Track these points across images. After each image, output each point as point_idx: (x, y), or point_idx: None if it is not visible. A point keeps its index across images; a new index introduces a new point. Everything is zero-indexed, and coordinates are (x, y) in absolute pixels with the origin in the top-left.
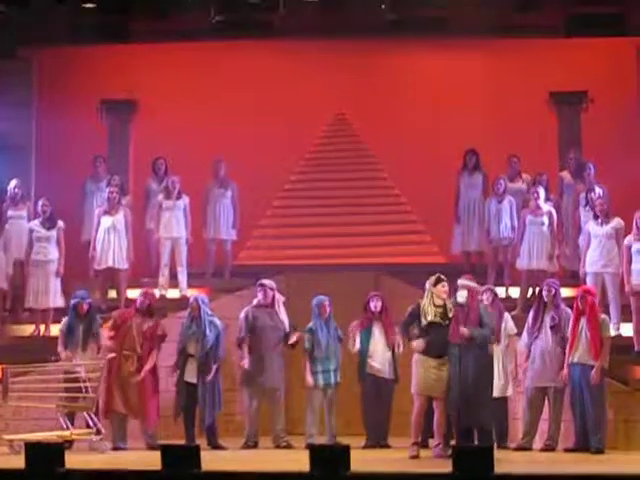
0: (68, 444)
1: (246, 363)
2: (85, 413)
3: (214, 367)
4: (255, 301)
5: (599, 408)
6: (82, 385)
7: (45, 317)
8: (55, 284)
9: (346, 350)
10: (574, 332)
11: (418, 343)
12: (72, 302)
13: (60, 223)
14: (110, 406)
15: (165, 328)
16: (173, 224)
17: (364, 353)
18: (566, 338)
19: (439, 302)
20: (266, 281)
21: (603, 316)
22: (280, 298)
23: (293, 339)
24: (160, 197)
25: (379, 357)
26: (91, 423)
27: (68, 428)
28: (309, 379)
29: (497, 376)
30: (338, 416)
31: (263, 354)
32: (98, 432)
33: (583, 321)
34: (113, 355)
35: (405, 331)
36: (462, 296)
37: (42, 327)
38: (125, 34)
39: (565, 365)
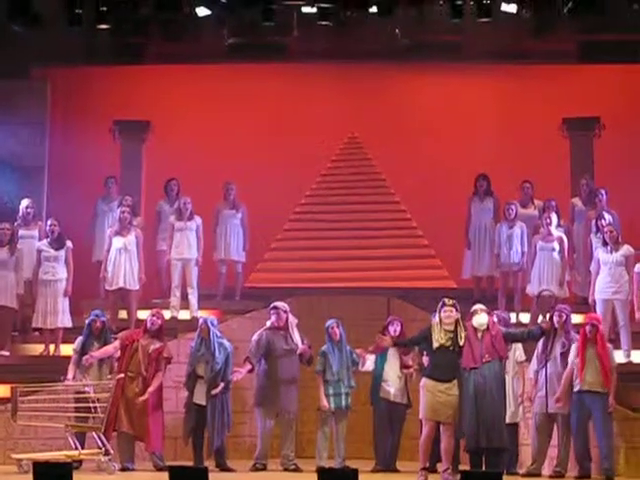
0: (77, 464)
1: (237, 376)
2: (94, 433)
3: (221, 384)
4: (268, 323)
5: (611, 434)
6: (91, 405)
7: (54, 337)
8: (63, 304)
9: (359, 374)
10: (583, 360)
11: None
12: (87, 320)
13: (68, 243)
14: (116, 426)
15: (170, 350)
16: (184, 245)
17: (378, 377)
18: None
19: (449, 327)
20: (279, 304)
21: (609, 344)
22: (293, 320)
23: (299, 350)
24: (172, 218)
25: (393, 382)
26: (100, 443)
27: (77, 448)
28: (324, 402)
29: (507, 402)
30: (348, 439)
31: (278, 377)
32: (107, 452)
33: (592, 349)
34: (122, 376)
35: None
36: (483, 317)
37: (52, 347)
38: (139, 56)
39: (560, 391)
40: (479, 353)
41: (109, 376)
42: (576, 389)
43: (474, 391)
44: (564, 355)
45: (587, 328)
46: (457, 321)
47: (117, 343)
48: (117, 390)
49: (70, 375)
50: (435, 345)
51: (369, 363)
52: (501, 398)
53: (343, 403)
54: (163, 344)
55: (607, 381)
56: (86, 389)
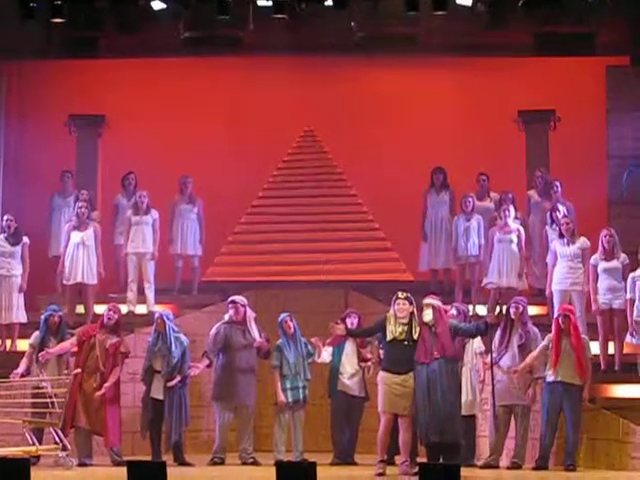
0: (34, 460)
1: (195, 371)
2: (51, 429)
3: (178, 377)
4: (226, 317)
5: (579, 427)
6: (49, 401)
7: (10, 332)
8: (18, 299)
9: (316, 367)
10: (557, 351)
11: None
12: (43, 316)
13: (25, 239)
14: (74, 422)
15: (128, 345)
16: (139, 239)
17: (335, 370)
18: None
19: (403, 320)
20: (237, 298)
21: (584, 336)
22: (251, 314)
23: (256, 344)
24: (129, 212)
25: (351, 375)
26: (57, 439)
27: (34, 443)
28: (281, 397)
29: (464, 394)
30: (306, 432)
31: (235, 371)
32: (64, 448)
33: (566, 341)
34: (78, 371)
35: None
36: (428, 315)
37: (8, 342)
38: (94, 49)
39: (520, 367)
40: (430, 349)
41: (66, 371)
42: (549, 380)
43: (427, 385)
44: (521, 347)
45: (560, 319)
46: (412, 314)
47: (74, 339)
48: (75, 386)
49: (21, 369)
50: (389, 337)
51: (325, 354)
52: (454, 393)
53: (301, 396)
54: (120, 339)
55: (582, 373)
56: (43, 385)
